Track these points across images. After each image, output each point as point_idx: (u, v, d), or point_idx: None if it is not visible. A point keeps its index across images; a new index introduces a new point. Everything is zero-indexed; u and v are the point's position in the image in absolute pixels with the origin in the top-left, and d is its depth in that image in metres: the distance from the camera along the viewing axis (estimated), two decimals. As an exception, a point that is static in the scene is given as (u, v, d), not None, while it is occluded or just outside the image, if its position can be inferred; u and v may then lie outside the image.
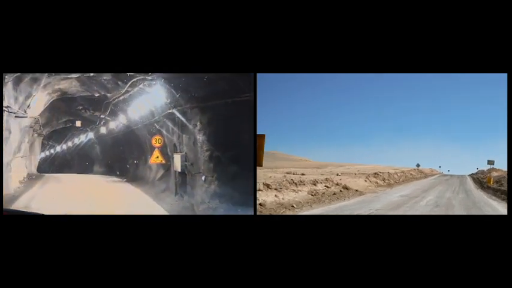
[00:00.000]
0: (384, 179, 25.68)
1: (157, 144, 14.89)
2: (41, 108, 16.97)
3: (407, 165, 54.93)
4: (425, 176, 46.42)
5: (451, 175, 54.03)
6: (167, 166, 16.98)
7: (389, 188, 21.24)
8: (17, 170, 16.94)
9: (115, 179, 25.49)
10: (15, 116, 13.34)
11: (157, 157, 14.88)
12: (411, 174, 40.33)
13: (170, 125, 15.04)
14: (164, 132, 15.93)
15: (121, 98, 15.71)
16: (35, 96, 14.07)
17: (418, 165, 49.63)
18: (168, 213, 11.73)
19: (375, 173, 27.12)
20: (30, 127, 18.39)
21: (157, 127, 16.53)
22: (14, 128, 13.88)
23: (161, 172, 18.91)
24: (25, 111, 14.05)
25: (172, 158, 14.63)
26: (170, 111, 13.74)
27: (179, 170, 13.62)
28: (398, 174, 33.26)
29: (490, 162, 30.12)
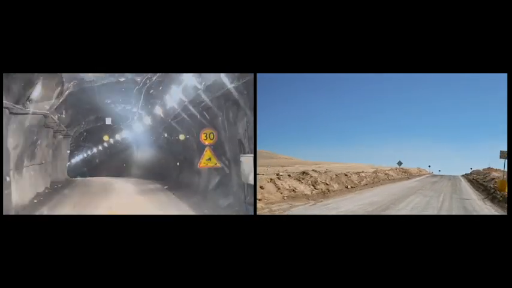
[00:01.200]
0: (314, 183, 15.13)
1: (209, 141, 10.89)
2: (52, 100, 13.14)
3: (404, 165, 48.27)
4: (409, 176, 36.78)
5: (442, 175, 45.67)
6: (224, 172, 12.93)
7: (313, 203, 11.45)
8: (29, 181, 13.64)
9: (153, 186, 21.27)
10: (10, 113, 9.86)
11: (210, 158, 10.79)
12: (386, 174, 30.59)
13: (231, 110, 11.15)
14: (220, 122, 12.09)
15: (154, 78, 12.68)
16: (37, 85, 10.76)
17: (399, 163, 38.74)
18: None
19: (303, 173, 17.16)
20: (46, 126, 15.31)
21: (207, 116, 12.98)
22: (12, 128, 10.26)
23: (216, 179, 14.48)
24: (24, 106, 10.49)
25: (240, 163, 10.10)
26: (229, 86, 9.72)
27: (251, 181, 9.15)
28: (362, 175, 22.97)
29: (504, 155, 23.73)
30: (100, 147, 36.73)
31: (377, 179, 24.92)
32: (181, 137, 19.19)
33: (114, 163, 39.98)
